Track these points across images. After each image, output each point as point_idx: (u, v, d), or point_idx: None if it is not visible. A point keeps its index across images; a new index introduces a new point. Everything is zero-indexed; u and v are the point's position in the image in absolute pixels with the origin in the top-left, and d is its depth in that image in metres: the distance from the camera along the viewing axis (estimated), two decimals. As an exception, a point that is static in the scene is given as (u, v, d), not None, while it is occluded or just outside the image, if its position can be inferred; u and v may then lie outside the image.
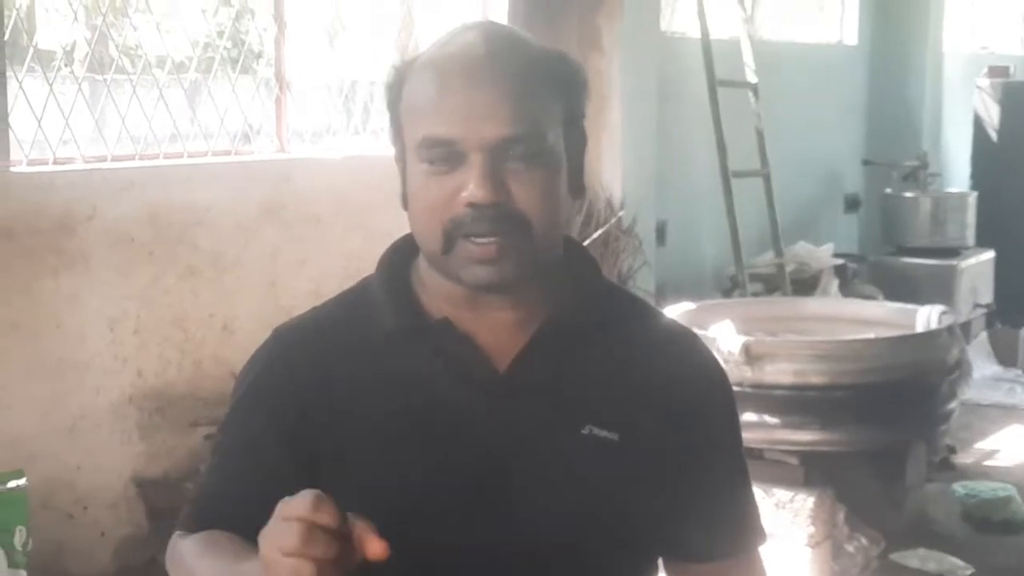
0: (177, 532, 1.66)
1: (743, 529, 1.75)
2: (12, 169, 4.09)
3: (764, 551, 1.78)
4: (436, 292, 1.63)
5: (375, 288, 1.68)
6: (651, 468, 1.62)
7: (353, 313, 1.68)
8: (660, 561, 1.74)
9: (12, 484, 3.59)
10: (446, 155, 1.53)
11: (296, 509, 1.31)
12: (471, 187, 1.51)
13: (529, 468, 1.58)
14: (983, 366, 7.64)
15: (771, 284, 7.14)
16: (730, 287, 7.05)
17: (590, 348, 1.63)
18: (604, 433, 1.60)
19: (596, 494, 1.59)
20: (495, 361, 1.60)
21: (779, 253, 7.15)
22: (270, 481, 1.56)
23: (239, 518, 1.56)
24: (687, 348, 1.72)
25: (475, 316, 1.61)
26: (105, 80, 4.57)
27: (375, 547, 1.31)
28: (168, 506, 4.06)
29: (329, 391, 1.61)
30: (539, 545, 1.58)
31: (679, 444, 1.64)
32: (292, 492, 1.51)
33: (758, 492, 4.90)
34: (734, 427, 1.75)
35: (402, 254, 1.69)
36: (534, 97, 1.55)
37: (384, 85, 1.64)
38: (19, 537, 3.53)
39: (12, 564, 3.51)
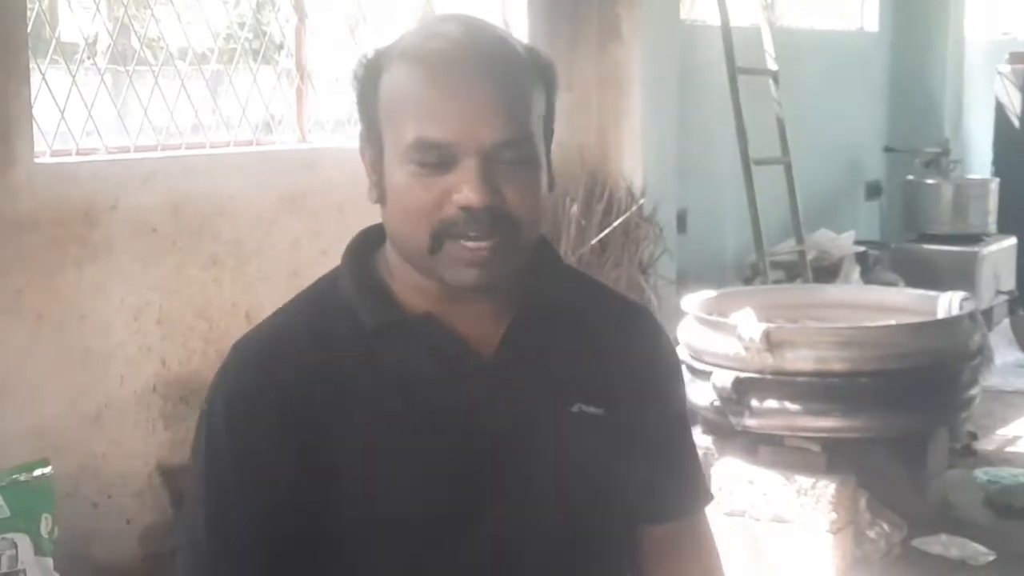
0: None
1: (692, 489, 1.82)
2: (36, 160, 4.10)
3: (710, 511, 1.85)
4: (407, 285, 1.62)
5: (345, 286, 1.65)
6: (633, 439, 1.68)
7: (324, 315, 1.64)
8: None
9: (37, 472, 3.62)
10: (438, 158, 1.50)
11: None
12: (465, 191, 1.49)
13: (527, 450, 1.60)
14: (1005, 353, 7.60)
15: (792, 272, 7.13)
16: (751, 275, 7.05)
17: (565, 330, 1.67)
18: (592, 409, 1.64)
19: (592, 469, 1.63)
20: (479, 350, 1.61)
21: (800, 240, 7.15)
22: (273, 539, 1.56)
23: None
24: (644, 322, 1.79)
25: (451, 309, 1.60)
26: (127, 71, 4.59)
27: None
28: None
29: (313, 402, 1.56)
30: (541, 524, 1.60)
31: (651, 413, 1.72)
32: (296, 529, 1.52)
33: (780, 478, 4.91)
34: (682, 390, 1.83)
35: (366, 247, 1.69)
36: (524, 98, 1.55)
37: (353, 76, 1.60)
38: (45, 525, 3.56)
39: (38, 552, 3.54)
